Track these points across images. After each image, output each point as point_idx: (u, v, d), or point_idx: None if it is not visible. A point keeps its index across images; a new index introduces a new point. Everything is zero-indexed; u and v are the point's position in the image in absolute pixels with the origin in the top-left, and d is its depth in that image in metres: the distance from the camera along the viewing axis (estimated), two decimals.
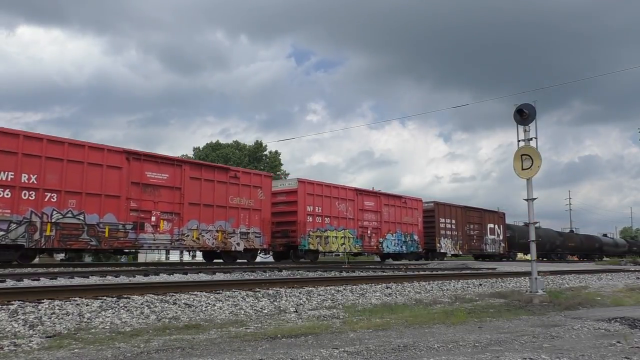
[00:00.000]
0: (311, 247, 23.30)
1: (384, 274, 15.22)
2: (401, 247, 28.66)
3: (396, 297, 10.15)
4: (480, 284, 13.15)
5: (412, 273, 15.94)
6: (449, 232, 32.27)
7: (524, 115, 10.20)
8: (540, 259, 41.82)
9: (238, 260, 20.95)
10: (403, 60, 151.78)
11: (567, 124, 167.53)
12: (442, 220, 32.05)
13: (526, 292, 10.45)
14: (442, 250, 31.41)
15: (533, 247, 10.44)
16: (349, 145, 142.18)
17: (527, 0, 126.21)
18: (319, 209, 23.99)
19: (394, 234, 28.20)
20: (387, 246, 27.85)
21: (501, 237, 38.13)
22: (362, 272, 16.32)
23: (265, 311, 7.77)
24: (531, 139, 10.28)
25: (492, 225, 37.13)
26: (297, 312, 7.82)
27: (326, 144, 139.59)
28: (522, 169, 10.19)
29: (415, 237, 29.65)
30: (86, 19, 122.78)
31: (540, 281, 10.21)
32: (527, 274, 11.85)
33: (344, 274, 15.33)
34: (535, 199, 10.35)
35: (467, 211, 34.71)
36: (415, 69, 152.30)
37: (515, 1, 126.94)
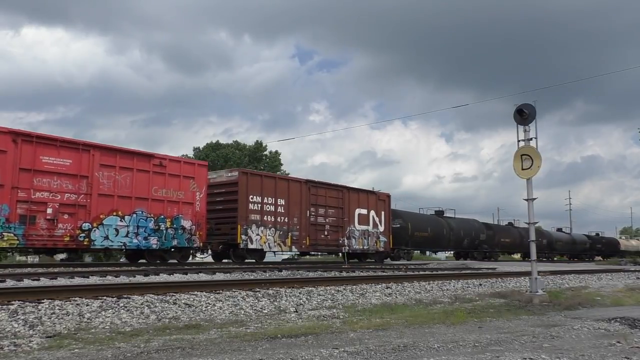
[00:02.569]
0: (254, 245, 20.73)
1: (384, 274, 15.23)
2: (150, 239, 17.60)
3: (396, 297, 10.15)
4: (480, 284, 13.15)
5: (412, 273, 15.95)
6: (269, 218, 21.58)
7: (524, 115, 10.20)
8: (460, 257, 39.00)
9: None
10: (406, 60, 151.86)
11: (569, 124, 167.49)
12: (255, 198, 21.07)
13: (526, 292, 10.45)
14: (252, 246, 20.72)
15: (533, 247, 10.45)
16: (351, 146, 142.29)
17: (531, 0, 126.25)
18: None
19: (129, 217, 17.12)
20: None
21: (381, 229, 27.52)
22: (362, 272, 16.33)
23: (265, 311, 7.77)
24: (531, 139, 10.28)
25: (362, 211, 26.28)
26: (297, 312, 7.82)
27: (328, 144, 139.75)
28: (522, 169, 10.19)
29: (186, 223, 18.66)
30: (90, 19, 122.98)
31: (540, 281, 10.21)
32: (527, 274, 11.85)
33: (344, 274, 15.34)
34: (535, 199, 10.36)
35: (312, 188, 23.71)
36: (418, 69, 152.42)
37: (519, 1, 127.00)
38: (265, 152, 56.95)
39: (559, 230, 54.00)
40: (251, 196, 21.07)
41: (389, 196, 29.14)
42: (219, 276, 12.99)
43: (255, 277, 13.02)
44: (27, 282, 9.76)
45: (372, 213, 27.24)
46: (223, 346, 5.00)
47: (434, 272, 17.22)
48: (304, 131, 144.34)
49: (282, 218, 22.47)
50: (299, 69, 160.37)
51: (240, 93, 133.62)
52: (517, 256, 50.87)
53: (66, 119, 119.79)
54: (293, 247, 23.12)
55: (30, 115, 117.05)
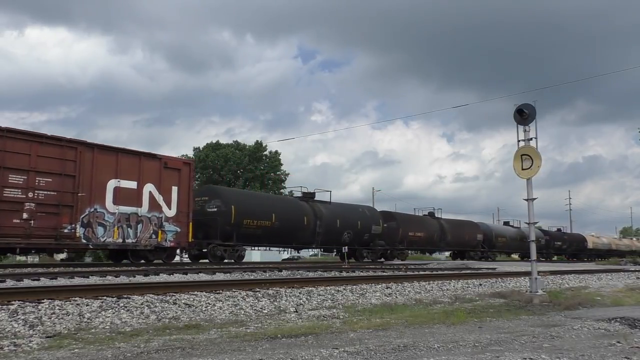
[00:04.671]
0: None
1: (384, 274, 15.23)
2: None
3: (396, 297, 10.15)
4: (480, 284, 13.15)
5: (412, 273, 15.95)
6: None
7: (524, 115, 10.21)
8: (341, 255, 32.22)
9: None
10: (409, 60, 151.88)
11: (571, 124, 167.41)
12: None
13: (526, 292, 10.45)
14: None
15: (533, 247, 10.45)
16: (352, 146, 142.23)
17: (533, 0, 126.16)
18: None
19: None
20: None
21: (170, 213, 18.50)
22: (362, 272, 16.33)
23: (265, 311, 7.77)
24: (531, 139, 10.28)
25: (127, 185, 17.37)
26: (297, 312, 7.82)
27: (330, 144, 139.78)
28: (522, 169, 10.19)
29: None
30: (92, 19, 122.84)
31: (540, 281, 10.21)
32: (527, 274, 11.85)
33: (344, 274, 15.34)
34: (535, 199, 10.36)
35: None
36: (421, 69, 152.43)
37: (521, 1, 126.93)
38: (265, 152, 56.91)
39: (506, 224, 47.84)
40: None
41: (188, 164, 19.85)
42: (219, 276, 12.99)
43: (255, 277, 13.03)
44: (27, 282, 9.76)
45: (151, 188, 17.94)
46: (223, 346, 5.01)
47: (434, 272, 17.22)
48: (306, 131, 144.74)
49: None
50: (301, 68, 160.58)
51: (243, 93, 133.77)
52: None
53: (69, 119, 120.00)
54: None
55: (33, 115, 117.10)
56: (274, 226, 23.66)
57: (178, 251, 20.62)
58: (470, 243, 38.62)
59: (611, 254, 58.13)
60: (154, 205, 18.14)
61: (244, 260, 23.14)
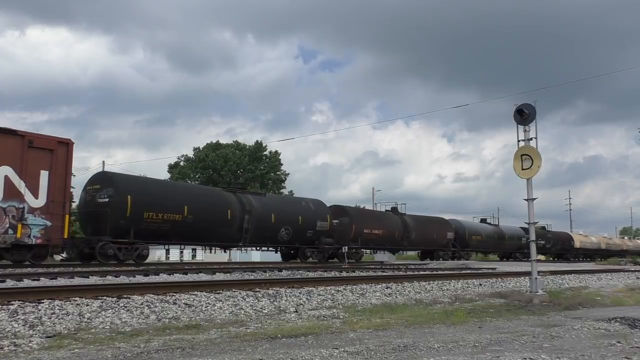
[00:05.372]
0: None
1: (384, 274, 15.23)
2: None
3: (396, 297, 10.15)
4: (480, 284, 13.16)
5: (412, 273, 15.96)
6: None
7: (524, 115, 10.21)
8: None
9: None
10: (409, 60, 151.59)
11: (571, 124, 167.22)
12: None
13: (526, 292, 10.45)
14: None
15: (533, 247, 10.46)
16: (353, 146, 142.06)
17: (534, 0, 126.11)
18: None
19: None
20: None
21: (37, 203, 15.46)
22: (362, 272, 16.33)
23: (265, 311, 7.77)
24: (531, 139, 10.28)
25: None
26: (297, 312, 7.82)
27: (331, 144, 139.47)
28: (522, 169, 10.19)
29: None
30: (93, 18, 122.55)
31: (540, 281, 10.22)
32: (527, 274, 11.85)
33: (344, 274, 15.34)
34: (535, 199, 10.37)
35: None
36: (422, 69, 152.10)
37: (522, 1, 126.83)
38: (265, 152, 56.94)
39: (483, 221, 43.92)
40: None
41: (66, 144, 16.39)
42: (219, 276, 12.99)
43: (255, 277, 13.03)
44: (27, 282, 9.76)
45: (7, 172, 14.89)
46: (223, 346, 5.00)
47: (434, 272, 17.23)
48: (307, 131, 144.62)
49: None
50: (301, 68, 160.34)
51: (244, 93, 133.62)
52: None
53: (70, 119, 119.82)
54: None
55: (34, 115, 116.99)
56: (187, 220, 20.01)
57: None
58: (438, 242, 35.52)
59: (600, 254, 56.02)
60: (11, 192, 14.74)
61: (245, 260, 22.68)
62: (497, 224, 43.47)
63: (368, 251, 35.62)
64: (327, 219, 26.80)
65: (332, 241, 26.87)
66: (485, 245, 40.81)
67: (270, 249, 25.99)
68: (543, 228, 49.69)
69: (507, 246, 43.20)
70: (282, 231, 24.12)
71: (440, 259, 33.83)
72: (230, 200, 22.51)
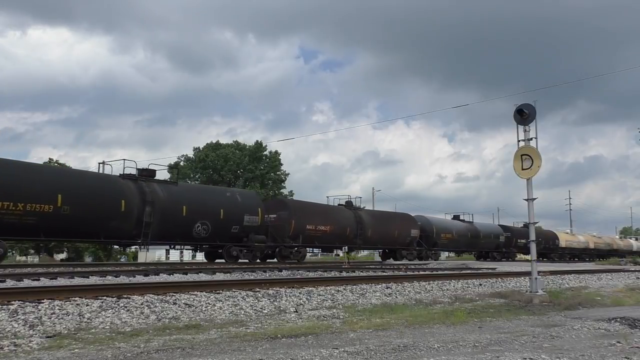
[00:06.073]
0: None
1: (384, 274, 15.23)
2: None
3: (396, 297, 10.15)
4: (480, 284, 13.16)
5: (412, 273, 15.96)
6: None
7: (523, 115, 10.21)
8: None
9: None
10: (410, 60, 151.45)
11: (572, 124, 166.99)
12: None
13: (526, 292, 10.45)
14: None
15: (533, 247, 10.46)
16: (354, 146, 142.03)
17: (534, 0, 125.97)
18: None
19: None
20: None
21: None
22: (362, 272, 16.33)
23: (265, 311, 7.77)
24: (531, 139, 10.29)
25: None
26: (297, 312, 7.82)
27: (331, 144, 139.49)
28: (522, 169, 10.19)
29: None
30: (94, 18, 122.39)
31: (540, 281, 10.21)
32: (527, 274, 11.85)
33: (344, 274, 15.34)
34: (535, 199, 10.37)
35: None
36: (423, 68, 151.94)
37: (523, 1, 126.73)
38: (265, 152, 56.92)
39: (456, 218, 39.87)
40: None
41: None
42: (219, 276, 12.99)
43: (255, 277, 13.03)
44: (27, 282, 9.77)
45: None
46: (223, 346, 5.01)
47: (434, 272, 17.24)
48: (308, 131, 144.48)
49: None
50: (302, 68, 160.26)
51: (244, 93, 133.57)
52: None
53: (70, 119, 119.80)
54: None
55: (35, 115, 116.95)
56: (61, 212, 16.73)
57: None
58: (400, 240, 31.87)
59: (588, 254, 53.44)
60: None
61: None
62: (471, 220, 40.04)
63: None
64: (258, 212, 23.29)
65: (264, 238, 23.54)
66: (457, 244, 37.52)
67: (187, 247, 23.34)
68: (525, 226, 45.15)
69: (483, 245, 40.25)
70: (198, 226, 20.69)
71: (404, 259, 30.65)
72: (125, 188, 19.07)
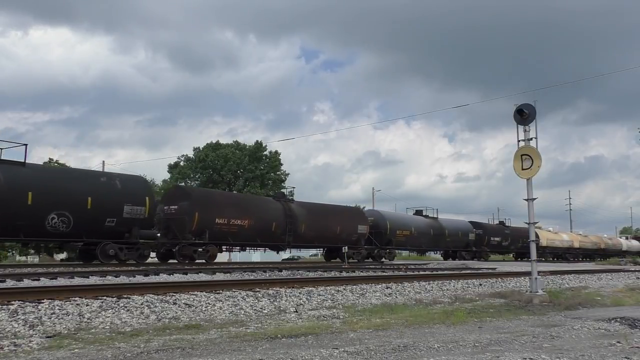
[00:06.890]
0: None
1: (384, 274, 15.23)
2: None
3: (396, 297, 10.15)
4: (480, 284, 13.16)
5: (412, 273, 15.96)
6: None
7: (523, 115, 10.21)
8: None
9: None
10: (411, 60, 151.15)
11: (572, 124, 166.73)
12: None
13: (526, 292, 10.45)
14: None
15: (533, 247, 10.46)
16: (354, 146, 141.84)
17: (535, 0, 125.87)
18: None
19: None
20: None
21: None
22: (362, 272, 16.33)
23: (265, 311, 7.77)
24: (531, 139, 10.29)
25: None
26: (297, 312, 7.82)
27: (332, 144, 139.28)
28: (522, 169, 10.19)
29: None
30: (95, 18, 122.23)
31: (540, 281, 10.21)
32: (527, 274, 11.85)
33: (344, 274, 15.34)
34: (535, 199, 10.37)
35: None
36: (423, 69, 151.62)
37: (523, 1, 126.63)
38: (265, 152, 56.93)
39: (418, 213, 36.32)
40: None
41: None
42: (219, 276, 13.00)
43: (255, 277, 13.03)
44: (27, 282, 9.77)
45: None
46: (223, 346, 5.01)
47: (434, 272, 17.24)
48: (308, 131, 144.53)
49: None
50: (303, 68, 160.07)
51: (245, 93, 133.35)
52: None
53: (71, 119, 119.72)
54: None
55: (36, 115, 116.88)
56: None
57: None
58: (344, 237, 27.59)
59: (572, 253, 50.51)
60: None
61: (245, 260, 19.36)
62: (435, 216, 36.49)
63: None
64: (145, 202, 19.27)
65: (154, 234, 20.13)
66: (417, 242, 33.67)
67: (41, 244, 18.96)
68: (501, 223, 44.27)
69: (449, 243, 36.54)
70: (53, 218, 16.88)
71: (350, 259, 26.17)
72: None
